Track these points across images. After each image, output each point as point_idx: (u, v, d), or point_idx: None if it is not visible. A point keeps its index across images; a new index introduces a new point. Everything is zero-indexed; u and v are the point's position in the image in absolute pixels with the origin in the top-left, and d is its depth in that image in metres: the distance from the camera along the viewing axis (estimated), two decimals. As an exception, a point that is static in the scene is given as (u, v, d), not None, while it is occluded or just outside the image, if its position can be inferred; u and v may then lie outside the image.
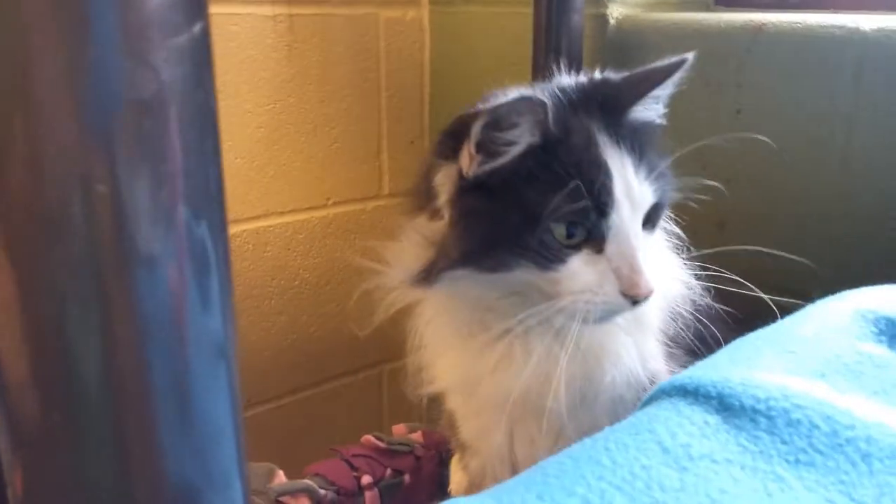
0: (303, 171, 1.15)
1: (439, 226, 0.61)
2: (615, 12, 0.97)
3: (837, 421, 0.38)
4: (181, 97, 0.20)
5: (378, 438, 0.96)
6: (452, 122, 0.60)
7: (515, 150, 0.56)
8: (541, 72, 0.93)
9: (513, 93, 0.55)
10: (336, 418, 1.26)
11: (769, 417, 0.39)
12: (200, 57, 0.20)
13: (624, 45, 0.96)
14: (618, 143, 0.57)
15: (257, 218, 1.12)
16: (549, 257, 0.56)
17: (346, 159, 1.19)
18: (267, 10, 1.06)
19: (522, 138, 0.55)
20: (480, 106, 0.57)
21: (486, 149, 0.56)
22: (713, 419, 0.40)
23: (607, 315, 0.58)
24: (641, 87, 0.60)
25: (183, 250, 0.21)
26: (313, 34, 1.11)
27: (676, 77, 0.61)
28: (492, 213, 0.57)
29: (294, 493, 0.82)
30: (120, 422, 0.20)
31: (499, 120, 0.54)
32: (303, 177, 1.15)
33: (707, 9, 1.04)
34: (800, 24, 0.79)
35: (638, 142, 0.58)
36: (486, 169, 0.57)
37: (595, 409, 0.63)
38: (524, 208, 0.55)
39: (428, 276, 0.60)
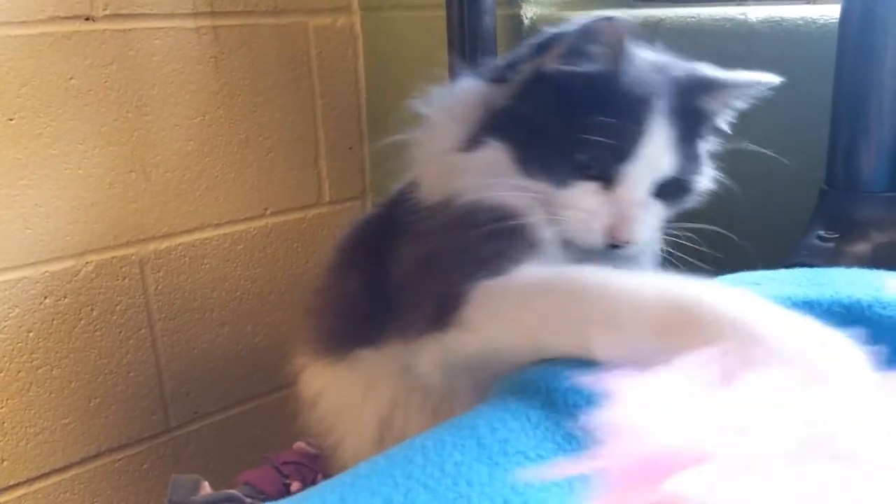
0: (237, 182, 1.15)
1: (500, 90, 0.66)
2: (529, 12, 0.98)
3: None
4: None
5: (309, 444, 0.96)
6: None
7: (587, 68, 0.61)
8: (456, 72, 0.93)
9: (612, 19, 0.60)
10: (286, 428, 1.26)
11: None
12: None
13: (539, 43, 0.96)
14: (671, 114, 0.62)
15: (192, 231, 1.12)
16: (566, 176, 0.61)
17: (282, 168, 1.20)
18: (189, 23, 1.06)
19: (596, 61, 0.61)
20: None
21: (569, 54, 0.61)
22: (536, 415, 0.40)
23: (588, 243, 0.62)
24: (714, 83, 0.65)
25: None
26: (240, 45, 1.11)
27: (752, 92, 0.65)
28: (545, 114, 0.62)
29: (219, 502, 0.82)
30: None
31: (586, 34, 0.60)
32: (238, 188, 1.15)
33: (625, 4, 1.05)
34: (694, 17, 0.80)
35: (688, 124, 0.63)
36: (561, 69, 0.61)
37: None
38: (568, 126, 0.60)
39: (473, 139, 0.65)
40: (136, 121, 1.03)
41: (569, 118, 0.60)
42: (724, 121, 0.68)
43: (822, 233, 0.63)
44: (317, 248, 1.26)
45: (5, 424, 0.98)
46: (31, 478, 1.01)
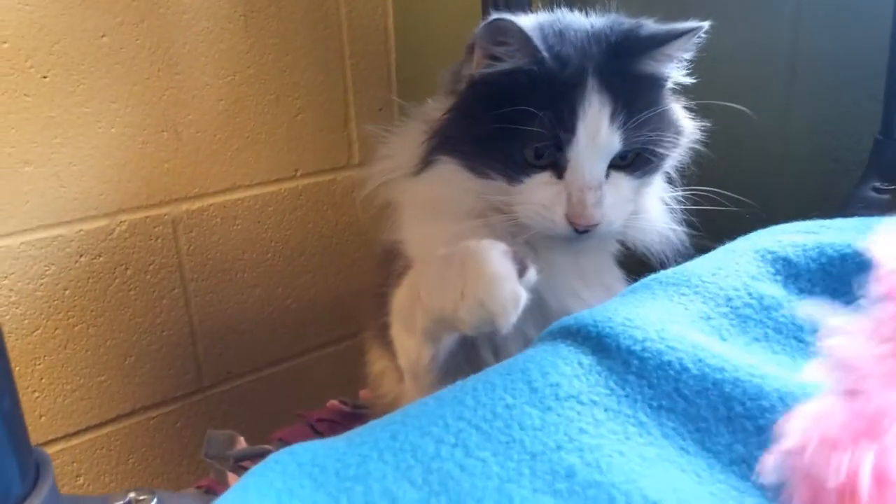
0: (268, 142, 1.14)
1: (439, 104, 0.68)
2: (566, -35, 0.95)
3: (707, 364, 0.37)
4: None
5: (343, 403, 0.96)
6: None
7: (504, 66, 0.61)
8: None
9: (508, 15, 0.60)
10: (317, 389, 1.27)
11: (642, 359, 0.39)
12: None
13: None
14: (604, 87, 0.60)
15: (224, 192, 1.12)
16: (518, 172, 0.61)
17: (312, 129, 1.19)
18: (218, -20, 1.05)
19: (511, 58, 0.61)
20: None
21: (485, 57, 0.62)
22: (587, 360, 0.39)
23: (554, 234, 0.62)
24: (646, 43, 0.62)
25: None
26: (269, 3, 1.10)
27: (684, 41, 0.63)
28: (484, 117, 0.62)
29: (253, 457, 0.83)
30: None
31: (492, 33, 0.60)
32: (268, 148, 1.15)
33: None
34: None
35: (629, 91, 0.61)
36: (485, 72, 0.62)
37: None
38: (507, 124, 0.60)
39: (423, 160, 0.66)
40: (167, 79, 1.03)
41: (506, 116, 0.60)
42: (677, 74, 0.66)
43: (877, 184, 0.61)
44: (346, 210, 1.26)
45: (43, 381, 0.99)
46: (68, 433, 1.02)
